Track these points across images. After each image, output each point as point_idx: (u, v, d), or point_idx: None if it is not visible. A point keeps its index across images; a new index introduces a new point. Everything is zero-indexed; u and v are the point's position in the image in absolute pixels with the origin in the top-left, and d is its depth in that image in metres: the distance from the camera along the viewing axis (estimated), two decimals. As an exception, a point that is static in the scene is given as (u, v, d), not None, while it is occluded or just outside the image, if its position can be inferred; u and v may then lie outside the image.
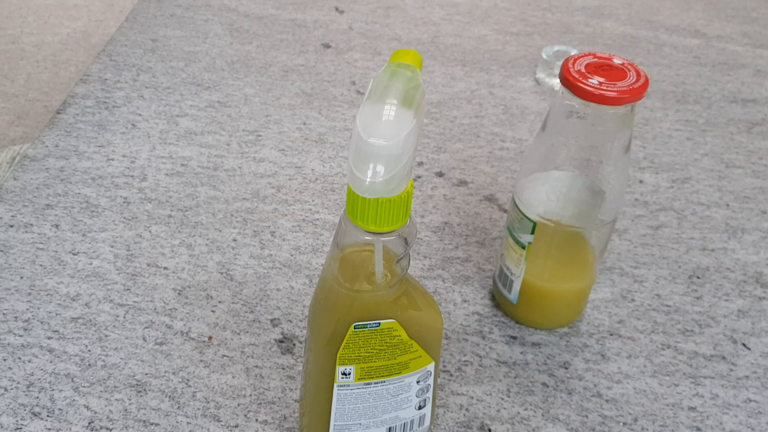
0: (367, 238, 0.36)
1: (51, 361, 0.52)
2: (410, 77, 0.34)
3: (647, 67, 0.92)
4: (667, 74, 0.91)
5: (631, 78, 0.45)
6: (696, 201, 0.71)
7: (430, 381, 0.43)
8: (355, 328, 0.38)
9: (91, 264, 0.60)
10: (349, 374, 0.40)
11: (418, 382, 0.42)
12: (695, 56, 0.95)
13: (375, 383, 0.41)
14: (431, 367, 0.42)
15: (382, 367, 0.40)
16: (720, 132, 0.81)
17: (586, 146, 0.48)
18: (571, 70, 0.45)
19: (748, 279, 0.63)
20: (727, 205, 0.71)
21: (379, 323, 0.38)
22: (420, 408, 0.43)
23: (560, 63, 0.85)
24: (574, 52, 0.87)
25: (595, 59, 0.46)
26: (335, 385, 0.40)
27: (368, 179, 0.32)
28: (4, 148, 1.06)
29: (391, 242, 0.36)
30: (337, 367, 0.40)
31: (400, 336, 0.39)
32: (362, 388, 0.41)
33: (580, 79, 0.45)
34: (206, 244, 0.63)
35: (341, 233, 0.37)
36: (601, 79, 0.44)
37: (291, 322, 0.56)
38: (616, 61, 0.46)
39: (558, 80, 0.86)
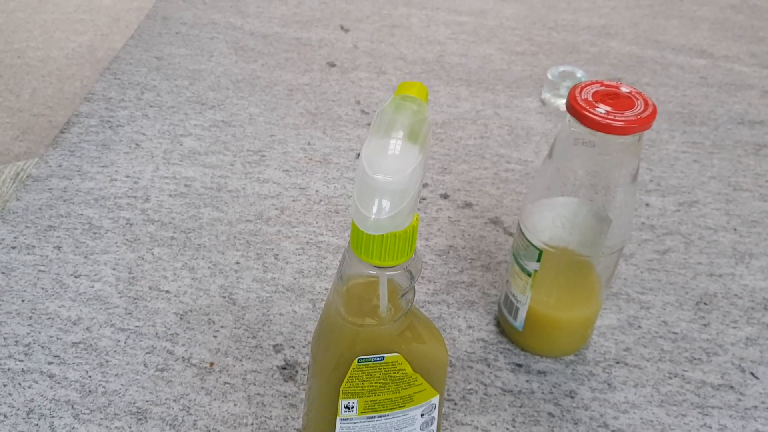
0: (371, 272, 0.35)
1: (51, 387, 0.52)
2: (416, 111, 0.33)
3: (654, 87, 0.92)
4: (674, 95, 0.91)
5: (638, 107, 0.44)
6: (703, 225, 0.70)
7: (435, 414, 0.42)
8: (358, 362, 0.37)
9: (92, 287, 0.60)
10: (353, 408, 0.39)
11: (422, 415, 0.41)
12: (702, 77, 0.95)
13: (378, 417, 0.40)
14: (436, 400, 0.41)
15: (385, 401, 0.39)
16: (727, 154, 0.81)
17: (593, 174, 0.48)
18: (578, 98, 0.45)
19: (756, 305, 0.62)
20: (735, 229, 0.70)
21: (383, 357, 0.38)
22: (424, 440, 0.43)
23: (566, 83, 0.85)
24: (579, 72, 0.87)
25: (603, 87, 0.46)
26: (338, 418, 0.40)
27: (373, 215, 0.31)
28: (8, 164, 1.06)
29: (396, 276, 0.36)
30: (340, 400, 0.39)
31: (404, 370, 0.38)
32: (365, 421, 0.40)
33: (587, 108, 0.44)
34: (209, 267, 0.62)
35: (345, 266, 0.36)
36: (609, 108, 0.44)
37: (294, 348, 0.56)
38: (624, 89, 0.46)
39: (564, 101, 0.86)
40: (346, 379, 0.38)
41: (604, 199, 0.49)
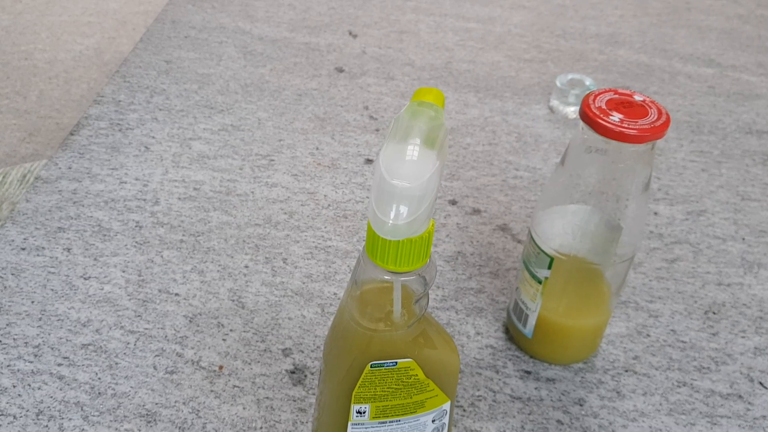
0: (386, 277, 0.35)
1: (61, 389, 0.52)
2: (433, 116, 0.33)
3: (662, 96, 0.92)
4: (682, 104, 0.91)
5: (652, 116, 0.44)
6: (712, 234, 0.70)
7: (446, 420, 0.42)
8: (371, 366, 0.38)
9: (102, 289, 0.60)
10: (364, 413, 0.39)
11: (433, 421, 0.41)
12: (710, 86, 0.95)
13: (390, 422, 0.40)
14: (447, 406, 0.41)
15: (397, 406, 0.39)
16: (735, 164, 0.81)
17: (605, 182, 0.48)
18: (592, 106, 0.45)
19: (764, 315, 0.62)
20: (743, 238, 0.70)
21: (396, 362, 0.38)
22: (434, 446, 0.43)
23: (574, 91, 0.85)
24: (588, 80, 0.87)
25: (616, 96, 0.46)
26: (349, 423, 0.40)
27: (391, 221, 0.31)
28: (15, 165, 1.07)
29: (411, 282, 0.36)
30: (352, 405, 0.39)
31: (416, 375, 0.38)
32: (377, 426, 0.40)
33: (601, 115, 0.44)
34: (218, 271, 0.63)
35: (360, 270, 0.36)
36: (622, 116, 0.44)
37: (302, 352, 0.56)
38: (637, 98, 0.46)
39: (572, 109, 0.86)
40: (358, 384, 0.38)
41: (615, 207, 0.49)
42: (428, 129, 0.33)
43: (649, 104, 0.45)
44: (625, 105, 0.45)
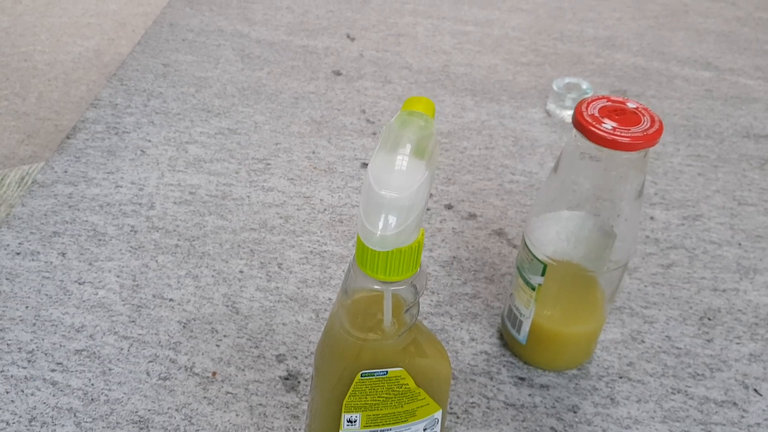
0: (376, 286, 0.35)
1: (54, 395, 0.52)
2: (422, 126, 0.33)
3: (659, 99, 0.92)
4: (679, 107, 0.91)
5: (645, 123, 0.44)
6: (707, 239, 0.70)
7: (437, 428, 0.42)
8: (362, 376, 0.37)
9: (96, 294, 0.60)
10: (355, 422, 0.39)
11: (425, 429, 0.41)
12: (707, 89, 0.95)
13: (381, 431, 0.40)
14: (438, 414, 0.41)
15: (388, 415, 0.39)
16: (732, 168, 0.80)
17: (598, 188, 0.48)
18: (585, 113, 0.45)
19: (760, 321, 0.62)
20: (739, 244, 0.70)
21: (387, 371, 0.38)
22: (426, 454, 0.43)
23: (571, 95, 0.85)
24: (585, 84, 0.87)
25: (609, 103, 0.46)
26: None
27: (379, 232, 0.31)
28: (13, 167, 1.07)
29: (401, 291, 0.36)
30: (342, 414, 0.39)
31: (407, 384, 0.38)
32: (368, 435, 0.40)
33: (594, 123, 0.44)
34: (212, 276, 0.63)
35: (350, 280, 0.36)
36: (615, 124, 0.44)
37: (296, 358, 0.56)
38: (630, 105, 0.46)
39: (569, 113, 0.86)
40: (349, 393, 0.38)
41: (609, 213, 0.48)
42: (418, 139, 0.33)
43: (642, 111, 0.45)
44: (618, 112, 0.45)
